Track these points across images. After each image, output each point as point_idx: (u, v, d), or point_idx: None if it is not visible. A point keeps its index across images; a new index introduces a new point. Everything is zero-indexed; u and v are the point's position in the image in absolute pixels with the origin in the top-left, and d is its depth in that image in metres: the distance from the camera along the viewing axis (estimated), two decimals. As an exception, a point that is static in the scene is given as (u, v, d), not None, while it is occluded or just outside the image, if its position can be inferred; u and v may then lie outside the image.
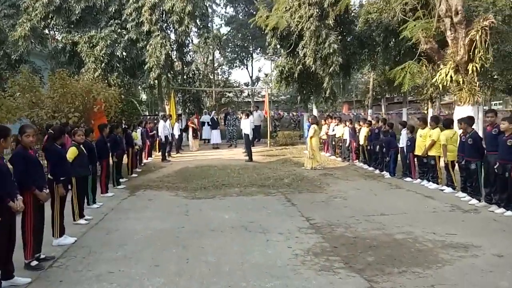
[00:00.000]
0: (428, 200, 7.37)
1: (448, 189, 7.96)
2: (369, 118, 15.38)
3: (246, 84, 35.16)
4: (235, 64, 36.94)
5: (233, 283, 3.89)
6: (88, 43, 16.29)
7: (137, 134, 11.99)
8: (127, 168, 11.05)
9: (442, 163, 8.41)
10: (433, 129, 8.60)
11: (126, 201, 7.92)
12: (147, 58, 16.51)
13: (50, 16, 16.41)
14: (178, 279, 4.03)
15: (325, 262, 4.39)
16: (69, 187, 6.03)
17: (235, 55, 36.15)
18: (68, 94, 10.38)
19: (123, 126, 11.26)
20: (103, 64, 16.29)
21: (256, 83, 35.12)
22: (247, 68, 37.38)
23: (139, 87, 20.60)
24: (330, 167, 12.14)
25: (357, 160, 12.57)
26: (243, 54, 36.43)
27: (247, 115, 14.34)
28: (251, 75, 37.46)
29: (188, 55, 22.35)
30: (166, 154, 14.15)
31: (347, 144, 13.00)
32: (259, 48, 36.12)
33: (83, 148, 6.81)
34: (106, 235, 5.59)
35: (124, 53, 17.36)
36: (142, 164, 12.94)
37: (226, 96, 31.52)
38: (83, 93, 10.79)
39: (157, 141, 15.38)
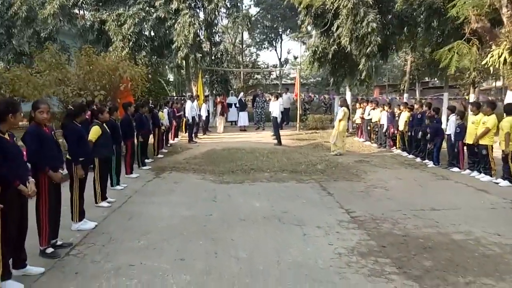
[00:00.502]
0: (482, 194, 6.57)
1: (504, 183, 7.10)
2: (409, 103, 14.37)
3: (275, 66, 34.29)
4: (263, 46, 36.11)
5: None
6: (116, 21, 15.93)
7: (163, 114, 11.59)
8: (153, 149, 10.70)
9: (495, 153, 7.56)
10: (488, 115, 7.70)
11: (151, 184, 7.52)
12: (175, 37, 16.02)
13: (79, -7, 16.12)
14: (205, 277, 3.53)
15: (374, 265, 3.78)
16: (92, 167, 5.67)
17: (264, 36, 35.27)
18: (94, 72, 10.05)
19: (150, 106, 10.86)
20: (130, 43, 15.93)
21: (285, 65, 34.19)
22: (275, 50, 36.48)
23: (167, 67, 20.21)
24: (365, 154, 11.39)
25: (395, 147, 11.74)
26: (272, 35, 35.50)
27: (277, 97, 13.65)
28: (279, 57, 36.55)
29: (217, 35, 21.70)
30: (193, 135, 13.75)
31: (384, 130, 12.16)
32: (289, 29, 35.09)
33: (107, 127, 6.42)
34: (128, 221, 5.18)
35: (152, 32, 16.93)
36: (169, 145, 12.59)
37: (254, 77, 30.79)
38: (109, 70, 10.43)
39: (184, 122, 15.02)
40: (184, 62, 17.75)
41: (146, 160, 9.54)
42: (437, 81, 33.89)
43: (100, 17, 16.14)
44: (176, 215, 5.43)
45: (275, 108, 13.02)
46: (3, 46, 17.88)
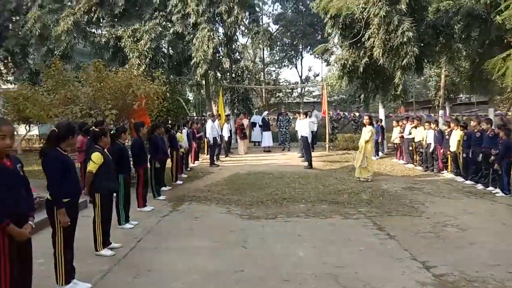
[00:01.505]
0: None
1: None
2: (444, 120, 12.83)
3: (296, 84, 33.12)
4: (283, 64, 35.16)
5: None
6: (132, 37, 15.14)
7: (182, 135, 10.44)
8: (171, 174, 9.51)
9: None
10: None
11: (167, 220, 6.24)
12: (193, 52, 15.10)
13: (93, 10, 15.44)
14: None
15: None
16: (92, 205, 4.46)
17: (284, 54, 34.36)
18: (105, 89, 9.01)
19: (167, 126, 9.74)
20: (147, 60, 15.09)
21: (306, 83, 33.00)
22: (296, 68, 35.43)
23: (186, 85, 19.34)
24: (411, 178, 9.89)
25: (445, 170, 10.21)
26: (292, 52, 34.57)
27: (306, 115, 12.34)
28: (300, 75, 35.43)
29: (237, 52, 20.78)
30: (215, 157, 12.54)
31: (431, 150, 10.66)
32: (309, 47, 34.12)
33: (114, 153, 5.25)
34: (134, 279, 3.89)
35: (169, 48, 16.06)
36: (188, 169, 11.38)
37: (276, 96, 29.65)
38: (122, 87, 9.40)
39: (206, 143, 13.86)
40: (203, 79, 16.75)
41: (164, 188, 8.35)
42: (465, 98, 32.05)
43: (116, 33, 15.39)
44: (196, 269, 4.11)
45: (304, 126, 11.69)
46: (19, 65, 17.33)
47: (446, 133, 9.98)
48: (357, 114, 17.50)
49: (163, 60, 15.53)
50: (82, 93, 9.28)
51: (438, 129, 10.44)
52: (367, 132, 9.72)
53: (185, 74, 17.12)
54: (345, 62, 14.02)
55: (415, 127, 11.68)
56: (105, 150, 4.68)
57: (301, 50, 34.35)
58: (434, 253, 4.52)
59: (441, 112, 19.91)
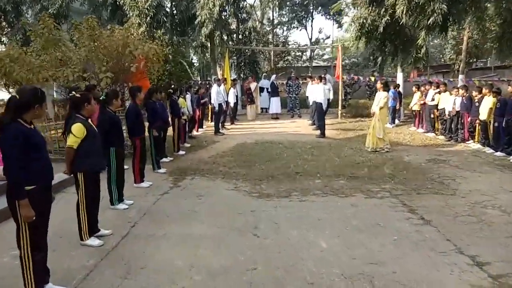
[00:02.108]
0: None
1: None
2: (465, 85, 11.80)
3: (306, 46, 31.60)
4: (293, 25, 33.47)
5: None
6: (131, -7, 13.95)
7: (184, 101, 9.61)
8: (173, 144, 8.78)
9: None
10: None
11: (166, 198, 5.53)
12: (198, 10, 13.90)
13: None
14: None
15: None
16: (76, 186, 3.75)
17: (293, 15, 32.60)
18: (99, 49, 8.10)
19: (169, 91, 8.90)
20: (148, 18, 13.96)
21: (318, 45, 31.44)
22: (306, 29, 33.75)
23: (190, 46, 18.18)
24: (434, 149, 9.08)
25: (472, 140, 9.35)
26: (302, 13, 32.78)
27: (320, 79, 11.36)
28: (310, 37, 33.81)
29: (244, 11, 19.38)
30: (220, 125, 11.74)
31: (457, 118, 9.75)
32: (320, 7, 32.25)
33: (103, 123, 4.50)
34: (123, 281, 3.18)
35: (172, 6, 14.85)
36: (192, 137, 10.63)
37: (285, 59, 28.29)
38: (118, 47, 8.47)
39: (210, 110, 13.03)
40: (208, 41, 15.62)
41: (164, 160, 7.64)
42: (480, 62, 30.29)
43: (114, -11, 14.20)
44: (198, 266, 3.41)
45: (319, 92, 10.75)
46: (12, 25, 16.26)
47: (476, 100, 9.02)
48: (372, 78, 16.37)
49: (165, 19, 14.39)
50: (74, 54, 8.37)
51: (467, 95, 9.46)
52: (382, 98, 8.81)
53: (189, 35, 15.97)
54: (364, 21, 12.77)
55: (439, 92, 10.69)
56: (89, 120, 3.89)
57: (311, 10, 32.57)
58: (481, 244, 3.79)
59: (460, 76, 18.70)
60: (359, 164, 7.53)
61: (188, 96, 10.20)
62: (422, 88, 11.79)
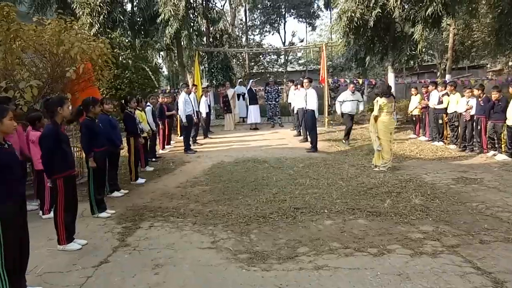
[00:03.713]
0: None
1: None
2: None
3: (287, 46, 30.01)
4: (265, 29, 31.97)
5: None
6: (80, -11, 11.84)
7: (144, 114, 7.61)
8: (129, 170, 6.77)
9: None
10: None
11: (101, 277, 3.49)
12: (160, 7, 11.96)
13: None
14: None
15: None
16: None
17: (265, 18, 31.09)
18: (19, 49, 6.01)
19: (121, 102, 6.92)
20: (101, 17, 11.86)
21: (298, 45, 29.84)
22: (278, 33, 32.33)
23: (153, 50, 16.10)
24: (450, 162, 7.48)
25: (494, 150, 7.81)
26: (275, 16, 31.35)
27: (310, 81, 9.50)
28: (283, 41, 32.37)
29: (214, 11, 17.54)
30: (191, 141, 9.77)
31: (471, 124, 8.22)
32: (292, 9, 30.90)
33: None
34: None
35: (130, 2, 12.82)
36: (154, 160, 8.58)
37: (260, 63, 26.59)
38: (50, 46, 6.41)
39: (179, 122, 11.05)
40: (175, 42, 13.66)
41: (115, 194, 5.63)
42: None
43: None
44: None
45: (311, 99, 8.92)
46: None
47: (499, 102, 7.50)
48: (360, 81, 14.85)
49: (121, 18, 12.32)
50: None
51: (484, 96, 7.94)
52: (374, 105, 7.13)
53: (152, 36, 13.94)
54: (352, 14, 11.16)
55: (447, 94, 9.17)
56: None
57: (284, 13, 31.18)
58: None
59: (448, 76, 17.52)
60: (372, 190, 5.77)
61: (149, 108, 8.20)
62: (424, 90, 10.25)
